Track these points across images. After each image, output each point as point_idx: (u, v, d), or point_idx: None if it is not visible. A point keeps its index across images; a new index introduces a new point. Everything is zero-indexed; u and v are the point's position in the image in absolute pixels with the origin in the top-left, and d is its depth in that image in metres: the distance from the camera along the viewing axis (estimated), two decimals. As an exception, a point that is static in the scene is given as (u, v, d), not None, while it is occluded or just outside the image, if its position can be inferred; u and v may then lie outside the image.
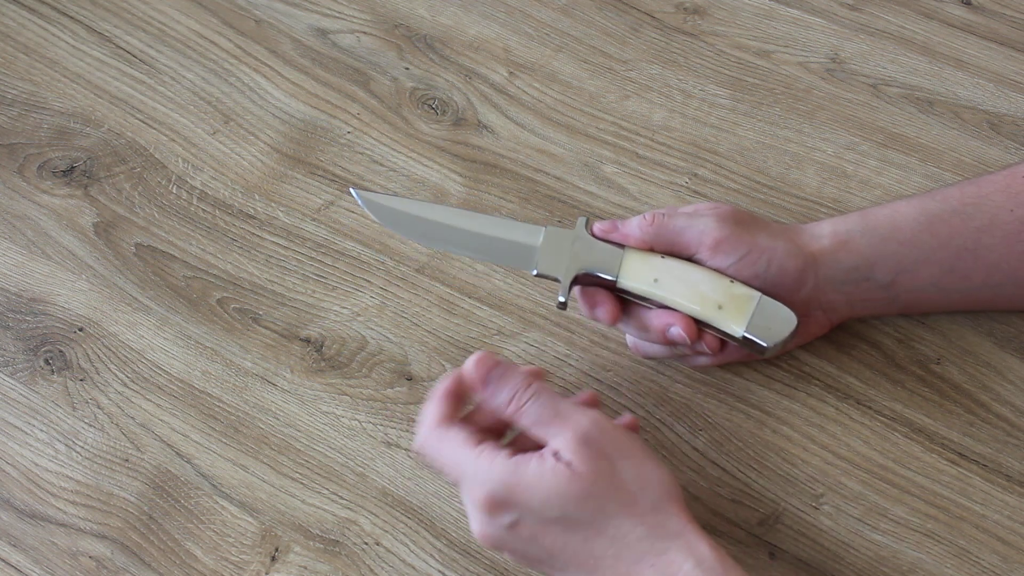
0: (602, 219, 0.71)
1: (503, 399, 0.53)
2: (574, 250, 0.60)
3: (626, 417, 0.58)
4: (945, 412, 0.63)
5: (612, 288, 0.60)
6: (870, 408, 0.64)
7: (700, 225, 0.59)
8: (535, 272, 0.60)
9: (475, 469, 0.52)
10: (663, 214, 0.60)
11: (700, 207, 0.61)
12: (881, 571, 0.59)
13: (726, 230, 0.59)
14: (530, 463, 0.51)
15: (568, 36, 0.79)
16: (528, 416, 0.52)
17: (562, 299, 0.59)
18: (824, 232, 0.60)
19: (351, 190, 0.65)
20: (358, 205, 0.72)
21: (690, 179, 0.72)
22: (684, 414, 0.64)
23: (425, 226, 0.62)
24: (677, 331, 0.58)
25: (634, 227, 0.59)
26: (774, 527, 0.60)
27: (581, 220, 0.61)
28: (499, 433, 0.56)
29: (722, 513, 0.60)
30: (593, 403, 0.57)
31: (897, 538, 0.60)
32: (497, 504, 0.51)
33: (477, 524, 0.53)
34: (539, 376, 0.55)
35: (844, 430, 0.63)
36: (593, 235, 0.61)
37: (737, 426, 0.63)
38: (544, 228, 0.61)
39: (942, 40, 0.78)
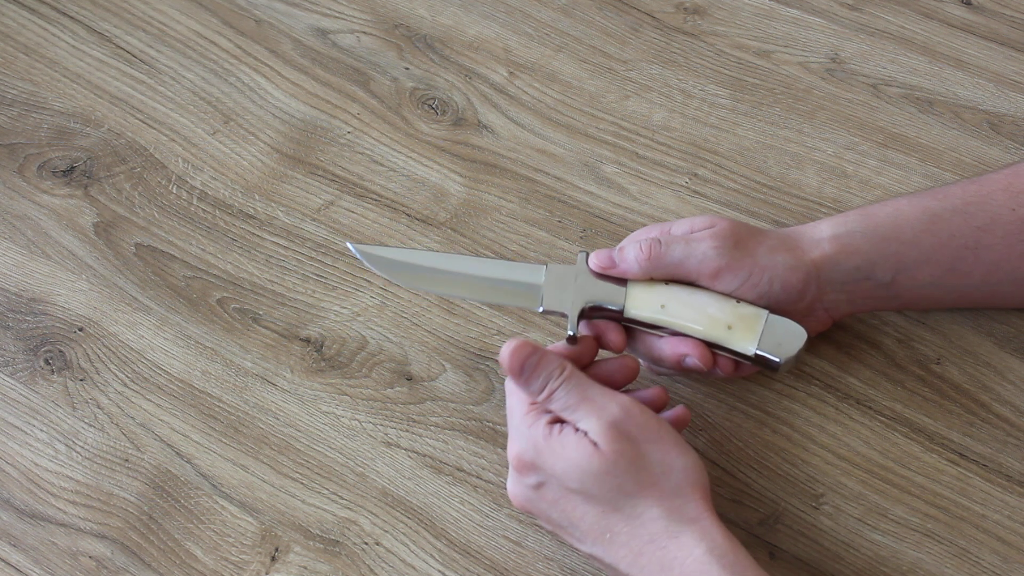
0: (599, 241, 0.71)
1: (536, 387, 0.54)
2: (578, 284, 0.60)
3: (678, 409, 0.58)
4: (945, 412, 0.63)
5: (619, 318, 0.60)
6: (870, 408, 0.64)
7: (698, 253, 0.58)
8: (541, 309, 0.60)
9: (518, 426, 0.55)
10: (659, 242, 0.59)
11: (696, 224, 0.60)
12: (881, 571, 0.59)
13: (725, 256, 0.58)
14: (561, 433, 0.53)
15: (568, 36, 0.79)
16: (558, 402, 0.54)
17: (571, 332, 0.59)
18: (824, 235, 0.60)
19: (348, 244, 0.65)
20: (358, 205, 0.72)
21: (690, 179, 0.72)
22: (684, 414, 0.64)
23: (426, 274, 0.62)
24: (692, 361, 0.59)
25: (632, 262, 0.59)
26: (774, 527, 0.60)
27: (581, 255, 0.61)
28: None
29: (722, 513, 0.60)
30: (662, 402, 0.58)
31: (897, 538, 0.60)
32: (525, 465, 0.54)
33: (509, 481, 0.56)
34: (578, 360, 0.58)
35: (844, 430, 0.63)
36: (592, 271, 0.60)
37: (737, 426, 0.63)
38: (545, 266, 0.61)
39: (942, 40, 0.78)
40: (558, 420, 0.54)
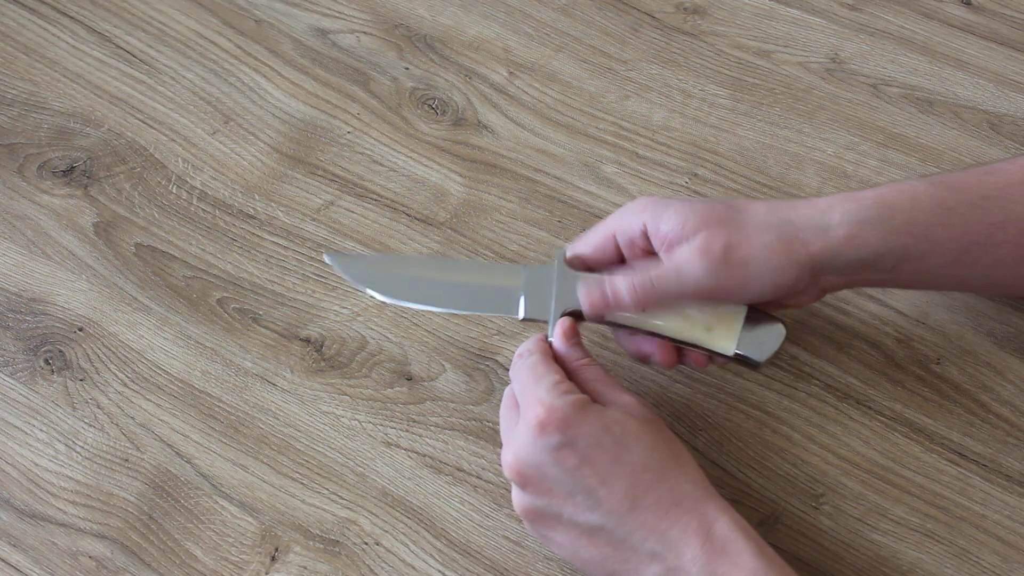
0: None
1: (579, 354, 0.59)
2: (558, 289, 0.59)
3: None
4: (945, 412, 0.63)
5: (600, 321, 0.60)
6: (870, 408, 0.64)
7: (690, 280, 0.57)
8: (522, 317, 0.60)
9: (549, 389, 0.55)
10: (650, 282, 0.58)
11: (688, 225, 0.58)
12: (881, 571, 0.59)
13: (715, 275, 0.57)
14: (600, 404, 0.56)
15: (568, 36, 0.79)
16: (595, 371, 0.58)
17: (551, 339, 0.59)
18: (833, 222, 0.58)
19: (325, 256, 0.64)
20: (358, 205, 0.72)
21: (690, 179, 0.72)
22: (684, 414, 0.64)
23: (403, 284, 0.61)
24: (656, 361, 0.60)
25: (624, 297, 0.58)
26: (774, 527, 0.60)
27: (559, 252, 0.60)
28: None
29: (722, 513, 0.60)
30: None
31: (897, 538, 0.60)
32: (551, 423, 0.54)
33: (517, 446, 0.55)
34: None
35: (844, 430, 0.63)
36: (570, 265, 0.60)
37: (737, 426, 0.63)
38: (524, 267, 0.61)
39: (942, 40, 0.78)
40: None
